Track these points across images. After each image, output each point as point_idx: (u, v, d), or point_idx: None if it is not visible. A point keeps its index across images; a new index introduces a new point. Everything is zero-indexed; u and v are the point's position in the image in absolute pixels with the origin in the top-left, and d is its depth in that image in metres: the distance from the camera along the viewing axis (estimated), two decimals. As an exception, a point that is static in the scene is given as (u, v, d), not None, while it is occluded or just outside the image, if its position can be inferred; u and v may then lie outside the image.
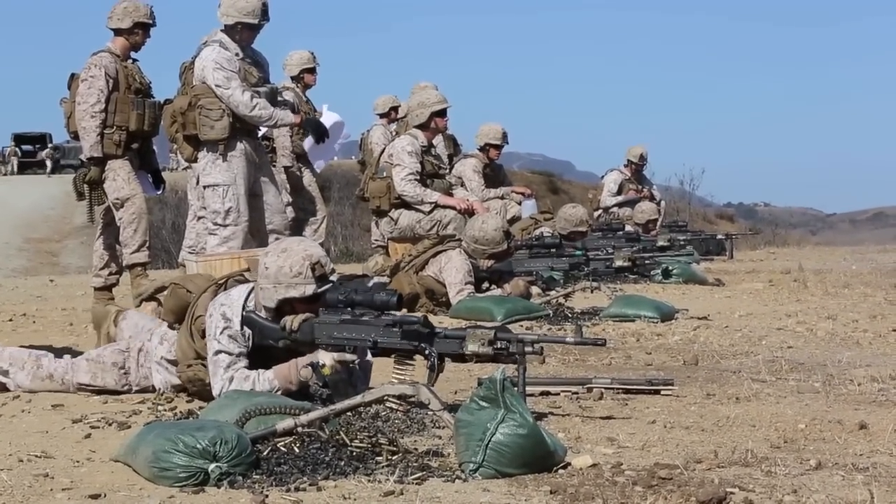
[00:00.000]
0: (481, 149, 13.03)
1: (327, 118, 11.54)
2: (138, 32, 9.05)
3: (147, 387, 5.53)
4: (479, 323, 6.55)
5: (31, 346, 5.92)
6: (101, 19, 9.17)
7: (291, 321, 4.93)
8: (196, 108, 8.56)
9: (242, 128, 8.69)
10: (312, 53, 12.14)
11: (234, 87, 8.49)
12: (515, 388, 4.41)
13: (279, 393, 4.88)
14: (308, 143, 11.46)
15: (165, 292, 5.55)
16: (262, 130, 9.58)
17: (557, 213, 12.23)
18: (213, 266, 7.57)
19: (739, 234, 20.98)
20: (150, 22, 9.10)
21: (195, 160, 8.80)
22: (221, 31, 8.68)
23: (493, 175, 13.23)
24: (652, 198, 16.58)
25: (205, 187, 8.75)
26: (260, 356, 5.04)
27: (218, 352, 5.01)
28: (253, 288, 5.07)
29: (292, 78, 12.03)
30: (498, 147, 13.05)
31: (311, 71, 12.12)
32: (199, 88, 8.60)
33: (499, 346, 4.68)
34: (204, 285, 5.34)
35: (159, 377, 5.46)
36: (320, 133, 9.57)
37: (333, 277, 4.98)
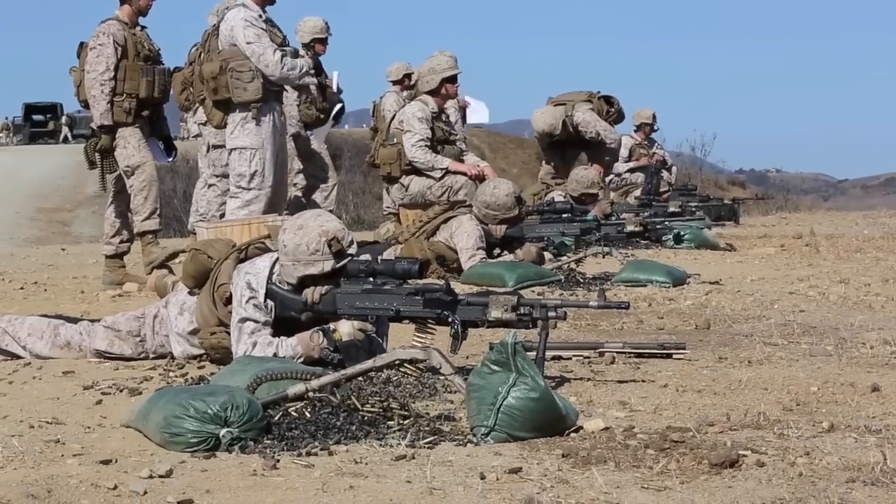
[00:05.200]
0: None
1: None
2: None
3: (163, 354, 5.53)
4: (490, 289, 6.52)
5: (44, 315, 5.91)
6: (108, -13, 9.13)
7: (312, 293, 4.93)
8: (227, 72, 8.53)
9: (273, 90, 8.69)
10: (326, 23, 12.05)
11: (266, 46, 8.48)
12: (534, 353, 4.40)
13: (302, 360, 4.88)
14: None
15: (185, 257, 5.54)
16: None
17: (569, 175, 12.18)
18: (223, 233, 7.55)
19: (747, 198, 20.92)
20: None
21: (224, 126, 8.77)
22: None
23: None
24: (664, 163, 16.55)
25: (231, 150, 8.72)
26: (284, 327, 5.03)
27: (244, 319, 5.02)
28: (277, 259, 5.06)
29: (303, 45, 11.96)
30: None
31: (323, 42, 12.05)
32: (227, 52, 8.57)
33: (522, 311, 4.64)
34: (225, 251, 5.32)
35: (179, 348, 5.46)
36: (338, 110, 9.62)
37: (352, 249, 4.95)
